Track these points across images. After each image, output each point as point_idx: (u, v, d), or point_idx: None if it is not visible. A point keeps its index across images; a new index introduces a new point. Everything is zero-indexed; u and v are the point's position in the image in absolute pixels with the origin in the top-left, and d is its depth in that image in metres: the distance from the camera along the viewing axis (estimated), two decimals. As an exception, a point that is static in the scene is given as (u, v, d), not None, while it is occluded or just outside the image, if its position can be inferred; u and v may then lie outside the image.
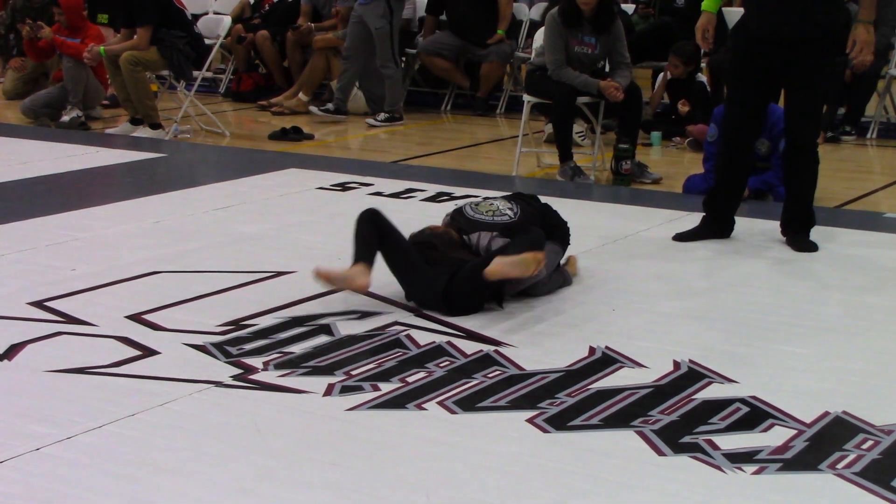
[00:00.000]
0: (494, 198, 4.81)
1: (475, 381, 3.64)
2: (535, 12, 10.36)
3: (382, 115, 9.47)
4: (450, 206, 5.15)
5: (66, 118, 9.19)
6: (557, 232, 4.70)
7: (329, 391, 3.55)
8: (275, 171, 7.25)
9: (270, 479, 2.97)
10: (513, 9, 10.14)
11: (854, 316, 4.41)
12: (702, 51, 9.22)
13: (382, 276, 4.72)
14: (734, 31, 5.48)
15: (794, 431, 3.27)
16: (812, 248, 5.31)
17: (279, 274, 4.85)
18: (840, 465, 3.05)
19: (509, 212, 4.62)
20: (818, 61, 5.14)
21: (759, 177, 6.22)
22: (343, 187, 6.70)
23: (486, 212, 4.61)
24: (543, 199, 6.42)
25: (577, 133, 7.94)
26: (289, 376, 3.68)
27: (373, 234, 4.42)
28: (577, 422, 3.33)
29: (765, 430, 3.28)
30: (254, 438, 3.21)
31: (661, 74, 8.78)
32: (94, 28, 9.66)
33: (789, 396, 3.52)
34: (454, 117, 10.13)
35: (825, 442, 3.20)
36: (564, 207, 6.20)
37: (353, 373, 3.71)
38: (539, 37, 7.42)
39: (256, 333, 4.09)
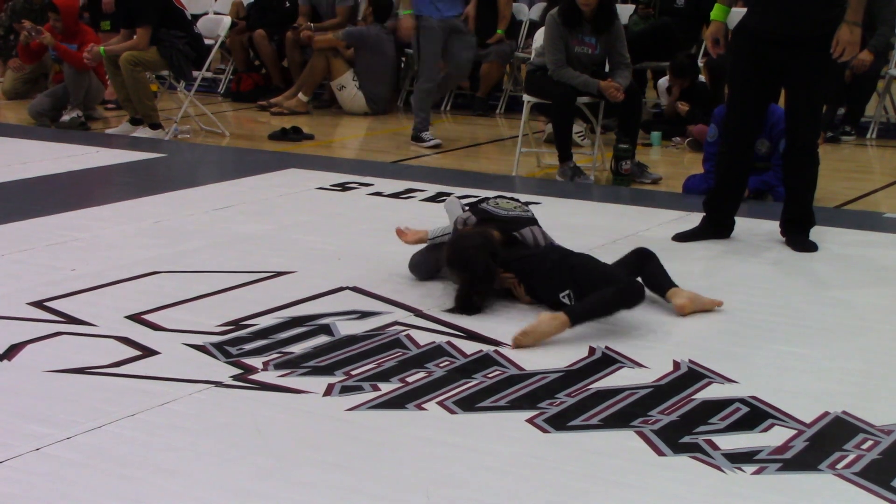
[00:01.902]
0: (499, 197, 4.87)
1: (475, 381, 3.64)
2: (535, 12, 10.37)
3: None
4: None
5: (66, 118, 9.19)
6: None
7: (329, 391, 3.55)
8: (275, 171, 7.25)
9: (270, 479, 2.97)
10: (512, 9, 10.14)
11: (854, 316, 4.41)
12: (700, 54, 9.26)
13: (382, 276, 4.72)
14: (735, 31, 5.48)
15: (794, 431, 3.27)
16: (812, 248, 5.31)
17: (279, 274, 4.84)
18: (840, 465, 3.05)
19: (526, 207, 4.75)
20: (818, 62, 5.13)
21: (758, 177, 6.22)
22: (343, 187, 6.70)
23: (515, 207, 4.68)
24: (543, 199, 6.44)
25: (576, 133, 7.94)
26: (289, 376, 3.68)
27: None
28: (577, 422, 3.33)
29: (765, 430, 3.28)
30: (254, 438, 3.21)
31: (669, 86, 8.75)
32: (91, 33, 9.63)
33: (789, 396, 3.52)
34: (454, 117, 10.13)
35: (825, 442, 3.21)
36: (564, 207, 6.24)
37: (353, 373, 3.71)
38: (539, 37, 7.42)
39: (256, 333, 4.08)
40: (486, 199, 4.81)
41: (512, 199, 4.86)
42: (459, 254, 4.38)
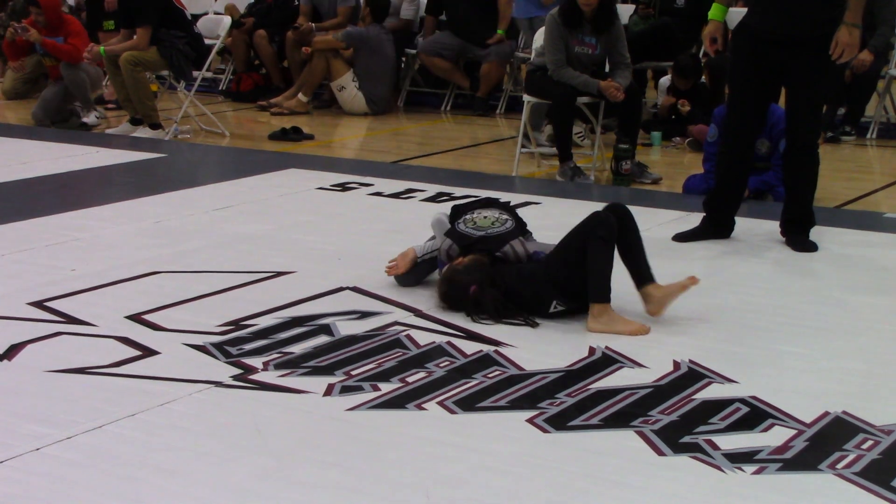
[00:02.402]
0: (477, 210, 4.62)
1: (475, 381, 3.64)
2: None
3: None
4: (447, 206, 5.10)
5: (86, 120, 9.20)
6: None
7: (329, 391, 3.55)
8: (275, 171, 7.25)
9: (270, 479, 2.97)
10: (513, 9, 10.12)
11: (854, 316, 4.41)
12: (700, 54, 9.25)
13: (382, 276, 4.72)
14: (735, 31, 5.49)
15: (794, 431, 3.27)
16: (812, 248, 5.31)
17: (279, 274, 4.84)
18: (840, 465, 3.05)
19: (504, 219, 4.53)
20: (819, 62, 5.13)
21: (758, 177, 6.21)
22: (343, 187, 6.70)
23: (493, 222, 4.50)
24: (543, 199, 6.45)
25: (576, 133, 7.94)
26: (289, 376, 3.68)
27: None
28: (577, 422, 3.34)
29: (765, 430, 3.28)
30: (254, 438, 3.21)
31: (666, 87, 8.75)
32: (75, 24, 9.58)
33: (789, 396, 3.52)
34: (454, 117, 10.13)
35: (825, 442, 3.20)
36: (564, 207, 6.23)
37: (353, 373, 3.71)
38: (539, 37, 7.42)
39: (256, 333, 4.09)
40: (462, 215, 4.57)
41: (489, 203, 4.74)
42: (457, 292, 4.30)
